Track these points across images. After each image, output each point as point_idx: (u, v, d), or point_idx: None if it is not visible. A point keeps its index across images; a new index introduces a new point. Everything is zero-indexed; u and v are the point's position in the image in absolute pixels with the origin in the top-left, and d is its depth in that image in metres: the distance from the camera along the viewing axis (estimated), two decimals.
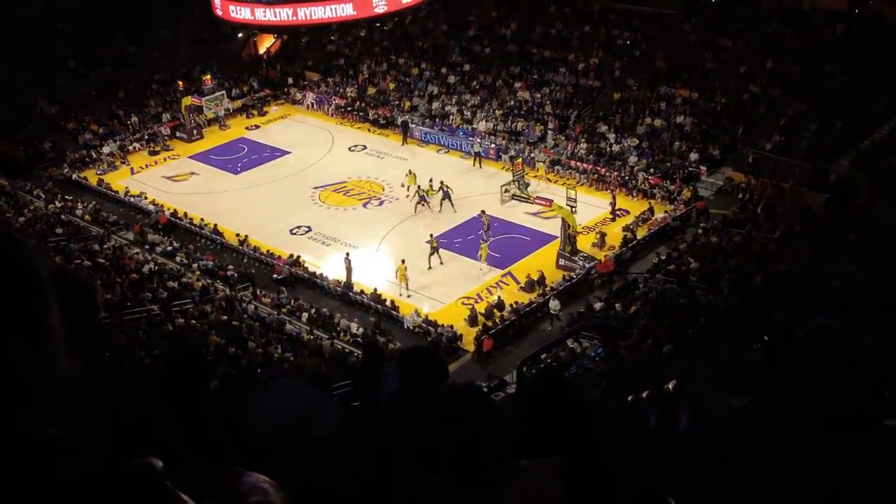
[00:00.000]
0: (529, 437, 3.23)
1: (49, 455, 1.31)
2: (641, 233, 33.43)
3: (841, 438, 2.99)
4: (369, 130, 45.93)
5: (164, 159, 44.21)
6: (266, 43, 54.46)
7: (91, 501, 1.29)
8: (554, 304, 28.81)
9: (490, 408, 3.03)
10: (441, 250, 32.48)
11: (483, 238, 32.36)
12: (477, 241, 32.58)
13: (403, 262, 31.26)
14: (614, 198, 35.58)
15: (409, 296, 30.82)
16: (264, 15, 34.13)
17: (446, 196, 35.99)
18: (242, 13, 34.67)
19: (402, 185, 38.09)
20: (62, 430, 1.35)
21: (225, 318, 28.73)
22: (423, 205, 36.06)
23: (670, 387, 3.95)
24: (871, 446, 2.98)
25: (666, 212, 34.65)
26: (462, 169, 40.16)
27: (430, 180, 36.59)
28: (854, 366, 3.37)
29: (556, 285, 30.50)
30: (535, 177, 38.59)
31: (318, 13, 33.34)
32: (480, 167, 40.24)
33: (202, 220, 36.77)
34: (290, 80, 51.83)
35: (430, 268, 32.17)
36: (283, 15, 33.75)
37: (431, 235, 32.59)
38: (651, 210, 34.69)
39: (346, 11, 33.08)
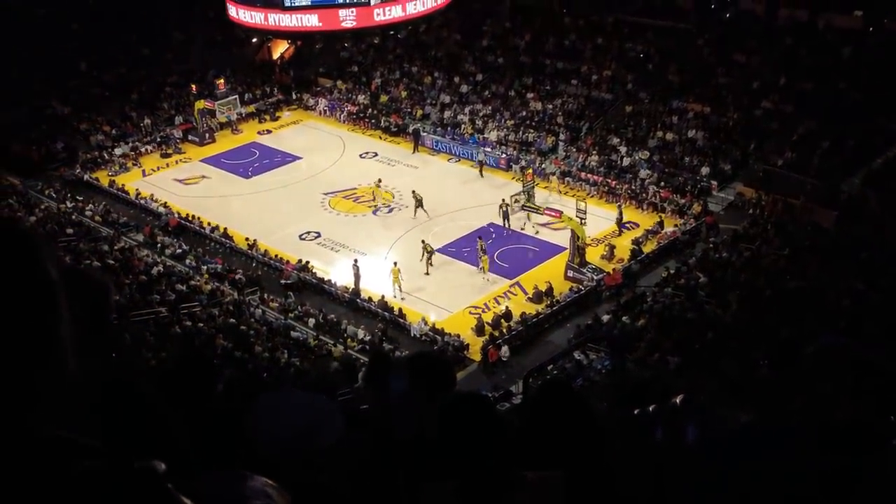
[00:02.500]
0: (534, 447, 3.23)
1: (52, 456, 1.31)
2: (650, 246, 33.38)
3: (848, 457, 2.98)
4: (381, 138, 46.02)
5: (176, 162, 44.35)
6: (280, 48, 54.65)
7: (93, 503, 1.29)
8: (504, 351, 27.82)
9: (496, 417, 3.03)
10: (449, 259, 32.53)
11: (480, 253, 32.38)
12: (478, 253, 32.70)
13: (396, 264, 31.59)
14: (621, 211, 35.52)
15: (402, 298, 31.01)
16: (243, 15, 35.48)
17: (419, 204, 36.40)
18: (231, 10, 36.18)
19: (374, 198, 38.38)
20: (67, 431, 1.35)
21: (232, 321, 28.76)
22: (420, 209, 36.41)
23: (677, 400, 3.93)
24: (878, 465, 2.96)
25: (675, 226, 34.59)
26: (471, 178, 40.23)
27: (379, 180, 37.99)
28: (862, 385, 3.36)
29: (563, 297, 30.47)
30: (547, 187, 38.59)
31: (286, 21, 34.37)
32: (482, 176, 40.40)
33: (210, 223, 36.85)
34: (294, 86, 51.98)
35: (427, 273, 32.31)
36: (257, 18, 35.08)
37: (423, 241, 32.82)
38: (661, 223, 34.64)
39: (312, 22, 33.91)
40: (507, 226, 35.16)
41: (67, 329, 1.41)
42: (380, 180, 38.50)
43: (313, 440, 3.05)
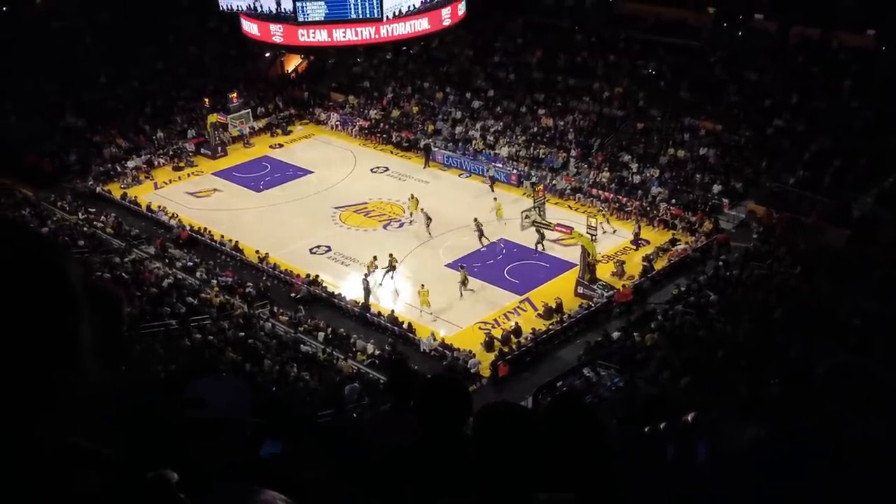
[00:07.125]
0: (546, 466, 3.21)
1: (68, 465, 1.31)
2: (661, 263, 33.28)
3: (858, 474, 2.96)
4: (392, 152, 46.13)
5: (188, 175, 44.54)
6: (293, 63, 54.89)
7: None
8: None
9: (533, 431, 3.01)
10: (459, 275, 32.57)
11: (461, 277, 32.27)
12: (495, 267, 32.64)
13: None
14: (639, 227, 35.53)
15: (434, 319, 30.86)
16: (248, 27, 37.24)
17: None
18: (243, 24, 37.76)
19: (404, 211, 38.54)
20: (82, 440, 1.35)
21: (242, 334, 28.78)
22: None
23: (689, 419, 3.91)
24: (888, 483, 2.95)
25: (687, 243, 34.50)
26: (482, 193, 40.19)
27: (412, 197, 37.89)
28: (873, 404, 3.34)
29: (573, 313, 30.40)
30: (557, 203, 38.48)
31: (247, 26, 36.78)
32: (493, 191, 40.42)
33: (223, 236, 36.94)
34: (312, 101, 52.16)
35: (470, 290, 31.96)
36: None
37: (462, 267, 32.60)
38: (673, 241, 34.56)
39: (253, 31, 36.51)
40: (542, 248, 34.68)
41: (87, 337, 1.41)
42: (412, 195, 38.35)
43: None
